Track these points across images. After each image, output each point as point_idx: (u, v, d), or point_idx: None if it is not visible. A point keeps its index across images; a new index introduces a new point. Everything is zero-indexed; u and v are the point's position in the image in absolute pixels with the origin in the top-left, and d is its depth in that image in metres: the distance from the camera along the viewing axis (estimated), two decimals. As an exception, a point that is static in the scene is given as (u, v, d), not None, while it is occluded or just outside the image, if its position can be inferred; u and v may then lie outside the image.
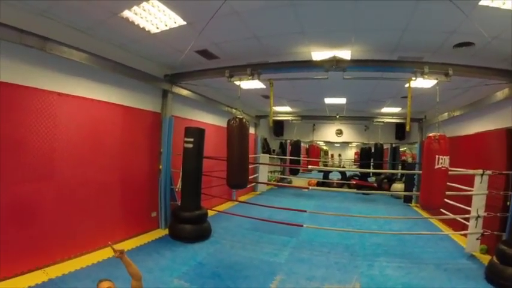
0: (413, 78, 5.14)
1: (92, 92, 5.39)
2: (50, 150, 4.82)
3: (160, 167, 6.72)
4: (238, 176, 5.20)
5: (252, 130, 10.83)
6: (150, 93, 6.55)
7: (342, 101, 9.57)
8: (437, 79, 5.19)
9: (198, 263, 5.16)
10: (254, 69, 5.54)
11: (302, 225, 6.02)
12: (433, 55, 5.29)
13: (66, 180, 5.07)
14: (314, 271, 4.75)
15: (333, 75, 5.66)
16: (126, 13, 4.38)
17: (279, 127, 13.93)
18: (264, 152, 12.70)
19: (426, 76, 5.03)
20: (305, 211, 6.52)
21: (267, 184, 12.20)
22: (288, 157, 13.87)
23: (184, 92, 7.17)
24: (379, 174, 13.10)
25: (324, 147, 24.19)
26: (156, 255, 5.43)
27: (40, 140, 4.68)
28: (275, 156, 13.81)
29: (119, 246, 3.40)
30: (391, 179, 12.77)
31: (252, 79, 5.66)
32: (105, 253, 5.19)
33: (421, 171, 4.66)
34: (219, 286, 4.36)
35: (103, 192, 5.74)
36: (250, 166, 10.01)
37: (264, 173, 12.00)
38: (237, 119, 5.06)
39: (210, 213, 6.97)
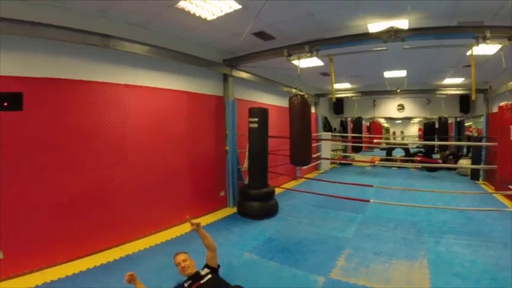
0: (475, 44, 4.67)
1: (156, 81, 5.51)
2: (121, 137, 5.02)
3: (227, 148, 6.77)
4: (302, 153, 5.10)
5: (312, 109, 10.56)
6: (211, 78, 6.56)
7: (402, 73, 8.97)
8: (500, 44, 4.64)
9: (267, 238, 5.16)
10: (312, 46, 5.31)
11: (369, 201, 5.72)
12: (494, 18, 4.71)
13: (137, 165, 5.27)
14: (381, 246, 4.57)
15: (392, 46, 5.27)
16: (182, 4, 4.35)
17: (339, 105, 13.34)
18: (325, 131, 12.32)
19: (488, 41, 4.53)
20: (371, 186, 6.22)
21: (330, 161, 11.90)
22: (349, 134, 13.43)
23: (244, 75, 7.10)
24: (444, 150, 12.24)
25: (385, 125, 23.15)
26: (226, 231, 5.50)
27: (111, 129, 4.90)
28: (336, 134, 13.26)
29: (189, 226, 3.48)
30: (457, 156, 11.95)
31: (311, 56, 5.45)
32: (177, 231, 5.43)
33: (490, 145, 4.28)
34: (288, 259, 4.33)
35: (174, 175, 5.89)
36: (312, 145, 9.90)
37: (326, 152, 11.53)
38: (299, 96, 4.94)
39: (276, 191, 6.89)
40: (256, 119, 6.14)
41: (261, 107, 6.51)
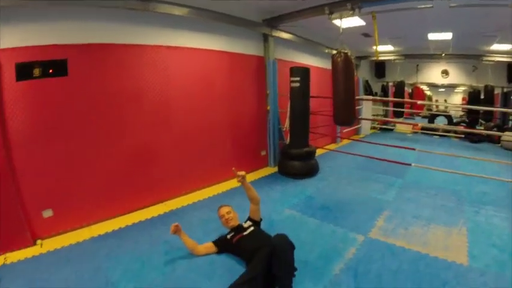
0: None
1: (197, 42, 5.47)
2: (166, 98, 5.10)
3: (268, 107, 6.73)
4: (345, 112, 4.98)
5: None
6: (252, 39, 6.44)
7: (448, 36, 8.23)
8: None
9: (307, 196, 5.17)
10: (354, 3, 4.96)
11: (410, 164, 5.54)
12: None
13: (182, 124, 5.37)
14: (420, 210, 4.47)
15: (438, 4, 4.94)
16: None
17: (380, 68, 12.71)
18: (366, 95, 11.71)
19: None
20: (413, 149, 5.94)
21: (370, 126, 11.56)
22: (391, 99, 12.67)
23: (285, 35, 6.91)
24: (489, 121, 11.41)
25: (428, 92, 22.09)
26: (267, 188, 5.55)
27: (155, 91, 4.97)
28: (377, 98, 12.58)
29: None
30: (502, 128, 11.04)
31: (353, 15, 5.16)
32: (220, 187, 5.56)
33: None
34: (328, 216, 4.35)
35: (217, 134, 5.98)
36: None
37: (367, 116, 11.07)
38: (342, 54, 4.77)
39: (317, 152, 6.82)
40: (297, 78, 6.01)
41: (302, 66, 6.38)
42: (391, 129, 12.60)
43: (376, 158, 5.98)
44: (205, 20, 5.39)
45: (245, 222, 3.56)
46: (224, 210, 3.64)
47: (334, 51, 4.89)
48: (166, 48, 5.04)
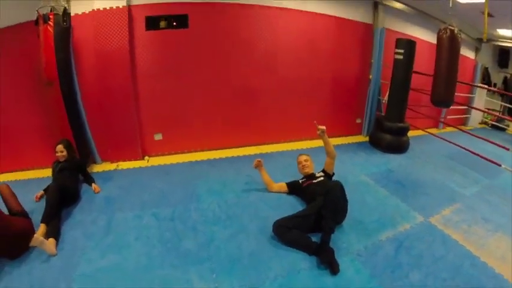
0: None
1: (306, 5, 5.57)
2: (273, 51, 5.48)
3: (370, 76, 6.46)
4: (444, 91, 4.60)
5: (470, 54, 8.86)
6: (361, 5, 6.16)
7: None
8: None
9: (388, 169, 5.05)
10: None
11: (500, 165, 4.86)
12: None
13: (286, 75, 5.69)
14: (494, 215, 3.86)
15: None
16: None
17: (504, 56, 10.46)
18: (483, 83, 9.94)
19: None
20: (507, 149, 5.10)
21: (482, 119, 10.10)
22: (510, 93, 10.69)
23: (396, 4, 6.36)
24: None
25: None
26: (352, 153, 5.62)
27: (265, 44, 5.39)
28: (495, 90, 10.28)
29: (321, 142, 3.81)
30: None
31: None
32: (309, 143, 5.77)
33: None
34: (399, 191, 4.25)
35: (315, 93, 6.14)
36: (464, 95, 8.55)
37: (479, 107, 9.29)
38: (448, 30, 4.34)
39: (413, 133, 6.54)
40: (402, 51, 5.62)
41: (409, 39, 5.90)
42: (504, 129, 10.12)
43: (470, 151, 5.40)
44: None
45: (318, 172, 3.78)
46: (302, 158, 3.93)
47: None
48: (276, 8, 5.31)
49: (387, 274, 2.65)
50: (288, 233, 2.89)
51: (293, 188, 3.87)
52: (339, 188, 3.06)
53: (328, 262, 2.60)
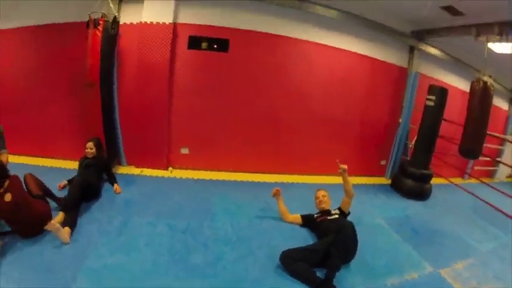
0: None
1: (342, 43, 5.70)
2: (306, 85, 5.67)
3: (400, 120, 6.43)
4: (472, 142, 4.64)
5: (503, 105, 8.70)
6: (396, 48, 6.21)
7: None
8: None
9: (405, 215, 4.98)
10: (503, 27, 4.42)
11: None
12: None
13: (315, 109, 5.82)
14: (507, 275, 3.71)
15: None
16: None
17: None
18: None
19: None
20: None
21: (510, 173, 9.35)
22: None
23: (432, 50, 6.37)
24: None
25: None
26: (372, 195, 5.55)
27: (299, 76, 5.58)
28: None
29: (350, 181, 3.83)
30: None
31: (500, 40, 4.57)
32: (331, 179, 5.59)
33: None
34: (413, 239, 4.16)
35: (343, 128, 6.19)
36: (493, 146, 8.29)
37: (508, 161, 8.50)
38: (481, 82, 4.38)
39: (438, 181, 6.40)
40: (433, 97, 5.60)
41: (442, 86, 5.87)
42: None
43: (492, 206, 5.24)
44: (353, 25, 5.57)
45: (334, 209, 3.78)
46: (320, 193, 3.96)
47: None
48: (312, 43, 5.48)
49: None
50: (294, 264, 2.90)
51: (307, 221, 3.88)
52: (351, 229, 3.11)
53: (329, 299, 2.54)
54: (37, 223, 2.85)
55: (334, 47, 5.64)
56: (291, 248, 3.06)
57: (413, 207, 5.42)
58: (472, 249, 4.25)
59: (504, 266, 3.93)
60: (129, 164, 5.02)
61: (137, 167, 5.01)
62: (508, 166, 7.10)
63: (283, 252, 3.00)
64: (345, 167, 3.56)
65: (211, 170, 5.40)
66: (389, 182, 6.45)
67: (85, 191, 3.49)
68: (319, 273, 2.88)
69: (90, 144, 4.05)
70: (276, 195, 3.95)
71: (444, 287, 3.25)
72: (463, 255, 3.98)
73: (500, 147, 8.82)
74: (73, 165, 4.25)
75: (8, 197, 2.66)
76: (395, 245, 3.96)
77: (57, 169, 4.49)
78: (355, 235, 3.17)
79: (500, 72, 6.91)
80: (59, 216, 3.05)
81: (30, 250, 2.67)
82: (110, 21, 4.16)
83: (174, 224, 3.55)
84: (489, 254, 4.20)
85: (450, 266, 3.68)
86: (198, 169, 5.36)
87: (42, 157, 4.78)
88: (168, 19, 4.57)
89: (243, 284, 2.74)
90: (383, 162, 6.82)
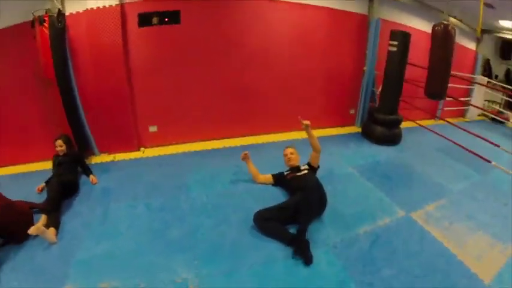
0: None
1: None
2: (265, 45, 5.63)
3: (365, 68, 6.53)
4: (436, 84, 4.79)
5: (471, 45, 8.86)
6: None
7: None
8: None
9: (376, 161, 5.15)
10: None
11: (490, 162, 4.80)
12: None
13: (277, 68, 5.84)
14: (478, 213, 3.85)
15: None
16: None
17: (507, 48, 10.19)
18: (483, 75, 9.74)
19: None
20: (498, 146, 5.03)
21: (481, 111, 9.35)
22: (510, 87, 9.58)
23: None
24: None
25: None
26: (342, 145, 5.72)
27: (257, 37, 5.53)
28: (496, 83, 10.01)
29: (315, 132, 3.97)
30: None
31: None
32: (300, 134, 5.56)
33: None
34: (384, 185, 4.32)
35: (308, 85, 6.23)
36: (464, 87, 8.50)
37: (478, 99, 9.33)
38: (442, 25, 4.48)
39: (408, 124, 6.59)
40: (395, 42, 5.66)
41: (405, 30, 5.90)
42: (503, 122, 9.46)
43: (459, 145, 5.34)
44: None
45: (303, 165, 3.92)
46: (288, 150, 4.08)
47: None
48: (266, 1, 5.43)
49: (359, 268, 2.79)
50: (266, 223, 3.11)
51: (278, 180, 4.07)
52: (315, 184, 3.38)
53: (302, 253, 2.79)
54: (23, 220, 3.04)
55: (290, 2, 5.63)
56: (262, 208, 3.25)
57: (384, 153, 5.60)
58: (444, 190, 4.41)
59: (476, 204, 4.09)
60: (102, 152, 5.09)
61: (110, 153, 5.09)
62: (474, 106, 7.30)
63: (255, 213, 3.20)
64: (308, 122, 3.68)
65: (183, 143, 5.56)
66: (359, 130, 6.65)
67: (64, 190, 3.61)
68: (292, 230, 3.08)
69: (59, 142, 4.08)
70: (245, 158, 4.12)
71: (416, 230, 3.43)
72: (434, 197, 4.16)
73: (469, 87, 9.01)
74: (48, 165, 4.30)
75: None
76: (366, 193, 4.14)
77: (33, 173, 4.55)
78: (320, 189, 3.42)
79: (467, 13, 6.98)
80: (42, 219, 3.14)
81: (22, 257, 2.80)
82: (55, 15, 4.08)
83: (151, 203, 3.71)
84: (461, 193, 4.37)
85: (422, 208, 3.86)
86: (170, 144, 5.50)
87: (14, 165, 4.81)
88: (114, 1, 4.49)
89: (221, 250, 2.94)
90: (352, 112, 7.01)
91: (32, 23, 4.06)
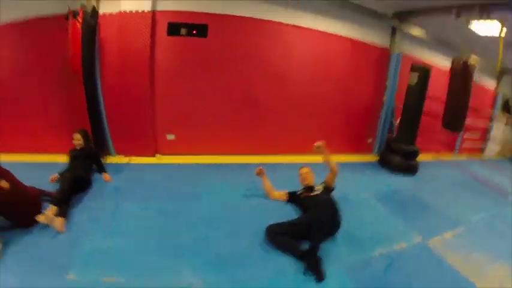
0: None
1: (323, 26, 5.81)
2: (285, 67, 5.73)
3: (384, 98, 6.58)
4: (453, 116, 4.86)
5: (491, 85, 8.93)
6: (378, 30, 6.32)
7: None
8: None
9: (392, 190, 5.10)
10: (483, 8, 4.54)
11: (507, 196, 4.85)
12: None
13: (297, 91, 5.92)
14: (497, 244, 3.75)
15: None
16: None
17: None
18: (503, 114, 9.50)
19: None
20: None
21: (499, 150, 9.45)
22: None
23: (415, 31, 6.47)
24: None
25: None
26: (358, 172, 5.69)
27: (278, 58, 5.63)
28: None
29: (333, 158, 3.94)
30: None
31: (480, 19, 4.72)
32: (317, 158, 5.83)
33: None
34: (401, 212, 4.28)
35: (328, 109, 6.30)
36: (482, 122, 8.47)
37: (496, 138, 9.26)
38: (461, 61, 4.56)
39: (424, 158, 6.51)
40: (416, 75, 5.73)
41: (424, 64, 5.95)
42: None
43: (479, 179, 5.32)
44: (334, 7, 5.65)
45: (318, 185, 3.90)
46: (303, 170, 4.09)
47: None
48: (290, 26, 5.56)
49: (372, 290, 2.64)
50: (278, 237, 3.05)
51: (292, 198, 4.03)
52: (329, 203, 3.40)
53: (313, 269, 2.70)
54: (35, 204, 3.06)
55: (315, 30, 5.74)
56: (274, 223, 3.20)
57: (400, 182, 5.55)
58: (461, 218, 4.34)
59: (494, 235, 3.98)
60: (118, 153, 5.10)
61: (126, 156, 5.09)
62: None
63: (267, 227, 3.14)
64: (320, 144, 3.69)
65: (198, 155, 5.53)
66: (376, 158, 6.60)
67: (76, 185, 3.58)
68: (304, 247, 2.98)
69: (76, 135, 4.12)
70: (260, 173, 4.12)
71: (433, 256, 3.33)
72: (452, 225, 4.07)
73: (487, 124, 9.00)
74: (63, 159, 4.28)
75: (5, 184, 2.74)
76: (382, 218, 4.08)
77: (48, 164, 4.52)
78: (334, 209, 3.39)
79: (487, 54, 7.03)
80: (51, 209, 3.11)
81: (27, 242, 2.77)
82: (89, 11, 4.21)
83: (163, 207, 3.67)
84: (479, 223, 4.29)
85: (440, 235, 3.77)
86: (186, 154, 5.48)
87: (32, 153, 4.83)
88: (146, 7, 4.61)
89: (229, 259, 2.86)
90: (370, 140, 7.01)
91: (67, 16, 4.20)
